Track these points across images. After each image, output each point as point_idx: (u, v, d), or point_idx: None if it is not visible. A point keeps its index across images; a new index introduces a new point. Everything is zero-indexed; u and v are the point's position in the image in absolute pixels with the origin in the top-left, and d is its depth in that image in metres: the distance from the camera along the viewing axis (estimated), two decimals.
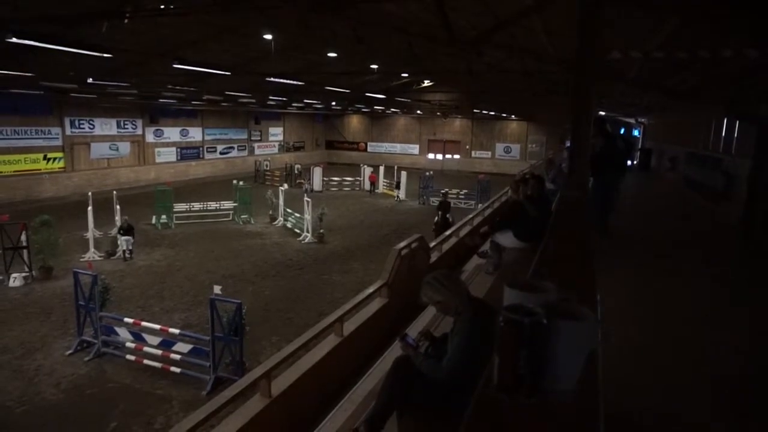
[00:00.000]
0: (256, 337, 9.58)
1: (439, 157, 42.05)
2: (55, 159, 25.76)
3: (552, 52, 10.47)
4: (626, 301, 5.07)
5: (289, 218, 20.07)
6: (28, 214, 14.95)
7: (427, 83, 25.28)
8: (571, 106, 6.98)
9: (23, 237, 13.13)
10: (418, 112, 38.15)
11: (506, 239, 6.18)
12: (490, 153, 41.22)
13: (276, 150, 40.13)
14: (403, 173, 28.13)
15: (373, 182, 29.84)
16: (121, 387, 8.26)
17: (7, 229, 12.91)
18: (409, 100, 28.09)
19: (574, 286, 2.00)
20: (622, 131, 31.97)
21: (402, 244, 6.69)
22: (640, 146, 28.81)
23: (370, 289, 6.12)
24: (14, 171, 24.13)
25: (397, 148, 43.76)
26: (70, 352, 9.25)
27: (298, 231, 18.85)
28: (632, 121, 30.39)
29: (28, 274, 13.02)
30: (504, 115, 37.49)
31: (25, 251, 13.12)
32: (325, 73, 16.78)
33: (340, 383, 4.83)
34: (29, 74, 15.01)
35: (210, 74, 14.38)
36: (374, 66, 16.73)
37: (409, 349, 3.08)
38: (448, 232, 8.88)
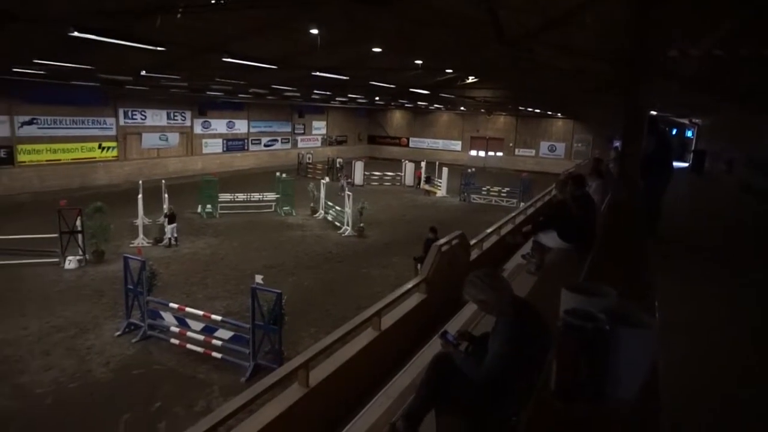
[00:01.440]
0: (294, 328, 9.72)
1: (482, 154, 41.53)
2: (108, 148, 26.85)
3: (604, 49, 10.14)
4: (682, 310, 4.86)
5: (330, 211, 20.26)
6: (82, 201, 15.63)
7: (471, 79, 24.97)
8: (623, 105, 6.75)
9: (78, 222, 13.75)
10: (462, 108, 37.73)
11: (549, 239, 6.03)
12: (534, 151, 40.40)
13: (319, 143, 40.56)
14: (445, 169, 27.94)
15: (420, 178, 29.43)
16: (166, 369, 8.55)
17: (65, 214, 13.53)
18: (453, 96, 27.80)
19: (630, 292, 1.92)
20: (674, 132, 30.74)
21: (442, 241, 6.65)
22: (693, 148, 27.64)
23: (409, 285, 6.11)
24: (71, 159, 25.30)
25: (440, 144, 43.48)
26: (118, 333, 9.64)
27: (338, 224, 19.02)
28: (686, 121, 29.16)
29: (82, 257, 13.65)
30: (549, 113, 36.65)
31: (79, 236, 13.74)
32: (370, 68, 16.80)
33: (376, 377, 4.84)
34: (88, 67, 15.68)
35: (257, 68, 14.62)
36: (419, 61, 16.63)
37: (449, 346, 3.06)
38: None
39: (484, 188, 26.63)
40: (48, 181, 23.77)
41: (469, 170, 27.69)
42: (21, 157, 23.50)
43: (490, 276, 3.00)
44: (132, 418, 7.12)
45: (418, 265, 10.19)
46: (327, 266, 14.51)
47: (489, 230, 8.85)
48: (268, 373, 4.41)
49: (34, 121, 23.92)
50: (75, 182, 24.47)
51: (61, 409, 7.35)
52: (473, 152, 41.88)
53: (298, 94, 27.20)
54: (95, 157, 26.25)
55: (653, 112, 20.80)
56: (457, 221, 19.47)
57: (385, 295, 5.77)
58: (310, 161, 33.89)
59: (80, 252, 13.70)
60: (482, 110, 36.73)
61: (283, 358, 8.21)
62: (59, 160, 24.80)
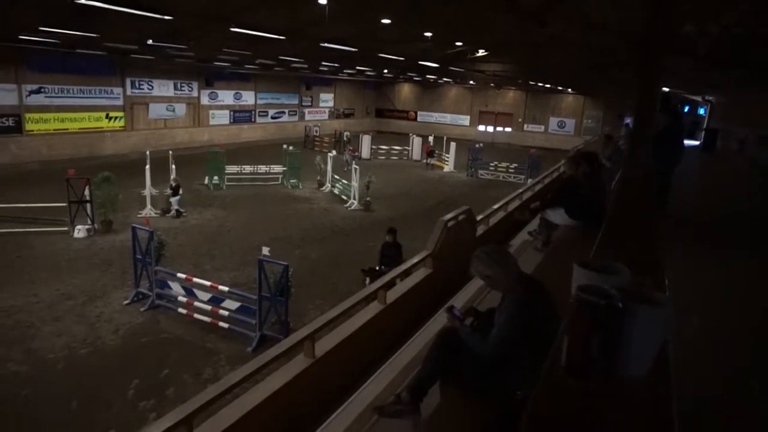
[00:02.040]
0: (300, 300, 9.81)
1: (490, 129, 41.14)
2: (116, 118, 26.78)
3: (618, 22, 9.91)
4: (691, 288, 4.85)
5: (337, 185, 20.24)
6: (91, 170, 15.66)
7: (482, 53, 24.56)
8: (635, 81, 6.63)
9: (87, 192, 13.82)
10: (471, 82, 37.24)
11: (557, 216, 6.01)
12: (543, 127, 39.97)
13: (326, 116, 40.28)
14: (453, 144, 27.73)
15: (432, 153, 28.88)
16: (173, 338, 8.69)
17: (73, 183, 13.60)
18: (462, 70, 27.40)
19: (641, 269, 1.91)
20: (687, 109, 30.27)
21: (449, 216, 6.62)
22: (705, 126, 27.26)
23: (415, 259, 6.11)
24: (79, 128, 25.28)
25: (448, 118, 43.05)
26: (127, 302, 9.78)
27: (345, 198, 19.02)
28: (698, 99, 28.68)
29: (90, 226, 13.77)
30: (560, 88, 36.10)
31: (88, 205, 13.84)
32: (379, 40, 16.55)
33: (381, 349, 4.89)
34: (94, 35, 15.53)
35: (265, 38, 14.44)
36: (428, 34, 16.35)
37: (455, 321, 3.07)
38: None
39: (491, 164, 26.45)
40: (56, 150, 23.82)
41: (477, 145, 27.46)
42: (29, 126, 23.50)
43: (497, 252, 3.00)
44: (141, 384, 7.27)
45: (367, 279, 9.35)
46: (333, 239, 14.56)
47: (496, 206, 8.81)
48: (274, 344, 4.46)
49: (42, 89, 23.83)
50: (83, 152, 24.50)
51: (72, 374, 7.51)
52: (482, 127, 41.48)
53: (305, 66, 26.90)
54: (103, 127, 26.21)
55: (666, 89, 20.45)
56: (463, 196, 19.44)
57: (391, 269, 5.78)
58: (317, 134, 33.72)
59: (89, 221, 13.81)
60: (492, 84, 36.25)
61: (289, 330, 8.31)
62: (67, 129, 24.79)
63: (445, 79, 37.10)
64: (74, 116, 25.01)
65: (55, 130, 24.41)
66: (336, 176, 20.50)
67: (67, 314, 9.29)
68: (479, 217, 7.78)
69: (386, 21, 14.16)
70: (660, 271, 2.24)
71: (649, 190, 4.92)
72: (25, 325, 8.82)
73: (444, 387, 3.08)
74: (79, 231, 13.49)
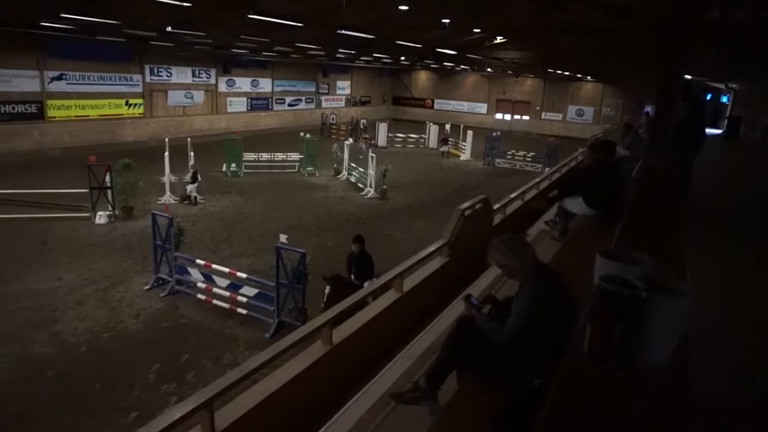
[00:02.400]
0: (318, 287, 9.88)
1: (508, 117, 40.73)
2: (135, 105, 27.05)
3: (642, 8, 9.70)
4: (712, 278, 4.79)
5: (353, 173, 20.27)
6: (111, 157, 15.90)
7: (500, 40, 24.25)
8: (657, 68, 6.51)
9: (107, 178, 14.04)
10: (489, 69, 36.80)
11: (575, 205, 5.95)
12: (561, 115, 39.44)
13: (343, 104, 40.22)
14: (469, 132, 27.53)
15: (446, 141, 28.46)
16: (193, 323, 8.85)
17: (94, 169, 13.82)
18: (480, 57, 27.10)
19: (663, 259, 1.90)
20: (709, 97, 29.63)
21: (465, 205, 6.62)
22: (728, 113, 26.67)
23: (432, 248, 6.13)
24: (99, 115, 25.59)
25: (465, 106, 42.70)
26: (147, 287, 9.96)
27: (361, 186, 19.05)
28: (721, 86, 28.03)
29: (111, 212, 14.01)
30: (579, 75, 35.52)
31: (109, 191, 14.07)
32: (396, 27, 16.43)
33: (398, 337, 4.93)
34: (115, 22, 15.68)
35: (282, 25, 14.42)
36: (446, 20, 16.18)
37: (473, 309, 3.09)
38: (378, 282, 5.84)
39: (508, 152, 26.23)
40: (77, 137, 24.16)
41: (494, 134, 27.23)
42: (51, 113, 23.86)
43: (515, 241, 3.00)
44: (162, 368, 7.44)
45: (327, 288, 7.39)
46: (350, 227, 14.61)
47: (513, 195, 8.78)
48: (292, 330, 4.53)
49: (64, 76, 24.14)
50: (103, 138, 24.82)
51: (95, 357, 7.70)
52: (499, 115, 41.09)
53: (322, 53, 26.82)
54: (122, 114, 26.51)
55: (688, 77, 20.01)
56: (480, 185, 19.34)
57: (407, 257, 5.81)
58: (334, 122, 33.71)
59: (110, 207, 14.05)
60: (509, 72, 35.78)
61: (306, 317, 8.41)
62: (88, 116, 25.12)
63: (462, 66, 36.75)
64: (95, 103, 25.32)
65: (76, 116, 24.74)
66: (352, 164, 20.53)
67: (89, 299, 9.51)
68: (496, 206, 7.77)
69: (404, 7, 14.03)
70: (681, 261, 2.22)
71: (670, 179, 4.85)
72: (49, 308, 9.05)
73: (461, 375, 3.11)
74: (101, 217, 13.74)
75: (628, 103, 36.07)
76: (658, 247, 2.28)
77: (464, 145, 27.78)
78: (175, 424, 3.11)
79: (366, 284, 7.69)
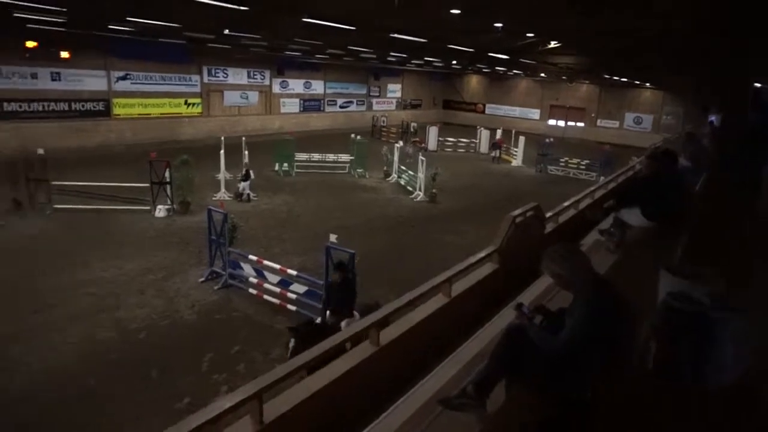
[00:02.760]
0: (365, 288, 9.99)
1: (561, 123, 39.80)
2: (194, 104, 28.14)
3: (708, 11, 9.30)
4: None
5: (403, 175, 20.35)
6: (170, 154, 16.59)
7: (553, 44, 23.75)
8: (723, 76, 6.24)
9: (167, 174, 14.69)
10: (542, 75, 36.12)
11: (632, 216, 5.78)
12: (617, 123, 38.20)
13: (393, 107, 40.42)
14: (522, 138, 27.10)
15: (500, 146, 28.04)
16: (244, 317, 9.14)
17: (155, 165, 14.49)
18: (533, 62, 26.63)
19: (731, 276, 1.85)
20: None
21: (517, 212, 6.52)
22: None
23: (482, 254, 6.07)
24: (160, 113, 26.79)
25: (517, 111, 42.04)
26: (202, 279, 10.37)
27: (410, 189, 19.11)
28: None
29: (170, 207, 14.65)
30: (637, 82, 34.28)
31: (168, 186, 14.72)
32: (448, 31, 16.38)
33: (445, 342, 4.92)
34: (176, 25, 16.39)
35: (335, 28, 14.67)
36: (498, 24, 16.00)
37: (524, 318, 3.06)
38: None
39: (562, 159, 25.64)
40: (139, 134, 25.37)
41: (547, 140, 26.68)
42: (116, 110, 25.18)
43: (570, 251, 2.94)
44: (215, 358, 7.72)
45: (291, 342, 6.69)
46: (398, 230, 14.71)
47: (566, 203, 8.57)
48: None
49: (128, 76, 25.43)
50: (163, 135, 25.92)
51: (153, 344, 8.09)
52: (552, 121, 40.21)
53: (374, 56, 27.06)
54: (181, 113, 27.63)
55: (757, 84, 18.98)
56: (532, 192, 18.99)
57: (456, 262, 5.79)
58: (385, 124, 33.92)
59: (168, 202, 14.69)
60: (563, 78, 34.99)
61: (353, 317, 8.50)
62: (150, 114, 26.35)
63: (514, 71, 36.17)
64: (156, 102, 26.52)
65: (138, 114, 26.00)
66: (402, 167, 20.61)
67: (148, 288, 9.99)
68: (548, 214, 7.62)
69: (456, 11, 13.98)
70: (749, 278, 2.14)
71: (738, 192, 4.63)
72: (113, 295, 9.58)
73: (510, 384, 3.08)
74: (160, 211, 14.41)
75: (690, 111, 34.50)
76: (724, 264, 2.21)
77: (516, 151, 27.37)
78: (226, 412, 3.22)
79: (344, 324, 6.88)
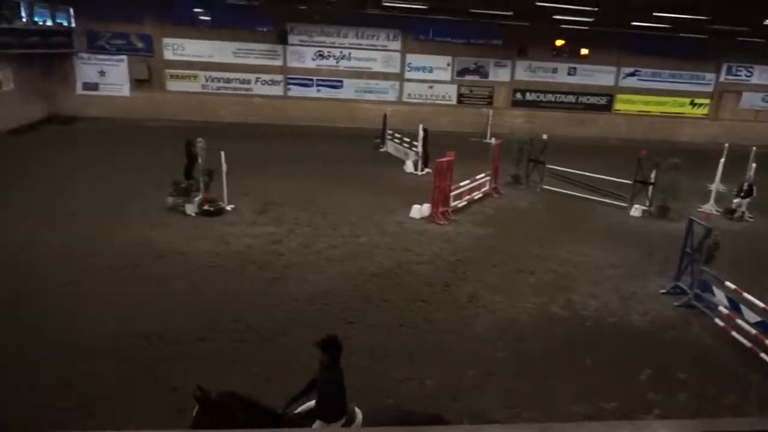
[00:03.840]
0: None
1: None
2: (700, 105, 25.79)
3: None
4: None
5: None
6: (662, 154, 15.78)
7: None
8: None
9: (653, 175, 14.17)
10: None
11: None
12: None
13: None
14: None
15: None
16: (702, 347, 8.03)
17: (642, 164, 14.20)
18: None
19: None
20: None
21: None
22: None
23: None
24: (660, 112, 25.86)
25: None
26: (663, 291, 9.68)
27: None
28: None
29: (647, 208, 14.21)
30: None
31: (650, 187, 14.23)
32: None
33: None
34: (703, 17, 15.12)
35: None
36: None
37: None
38: None
39: None
40: (634, 131, 25.35)
41: None
42: (617, 106, 25.89)
43: None
44: (654, 375, 7.14)
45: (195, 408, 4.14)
46: None
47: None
48: None
49: (636, 72, 25.52)
50: (656, 135, 25.04)
51: (598, 334, 8.16)
52: None
53: None
54: (684, 113, 25.90)
55: None
56: None
57: None
58: None
59: (647, 203, 14.23)
60: None
61: None
62: (649, 111, 25.85)
63: None
64: (658, 99, 25.73)
65: (638, 111, 25.89)
66: None
67: (605, 281, 10.09)
68: None
69: None
70: None
71: None
72: (571, 278, 10.17)
73: None
74: (636, 210, 14.18)
75: None
76: None
77: None
78: None
79: (316, 425, 4.40)
